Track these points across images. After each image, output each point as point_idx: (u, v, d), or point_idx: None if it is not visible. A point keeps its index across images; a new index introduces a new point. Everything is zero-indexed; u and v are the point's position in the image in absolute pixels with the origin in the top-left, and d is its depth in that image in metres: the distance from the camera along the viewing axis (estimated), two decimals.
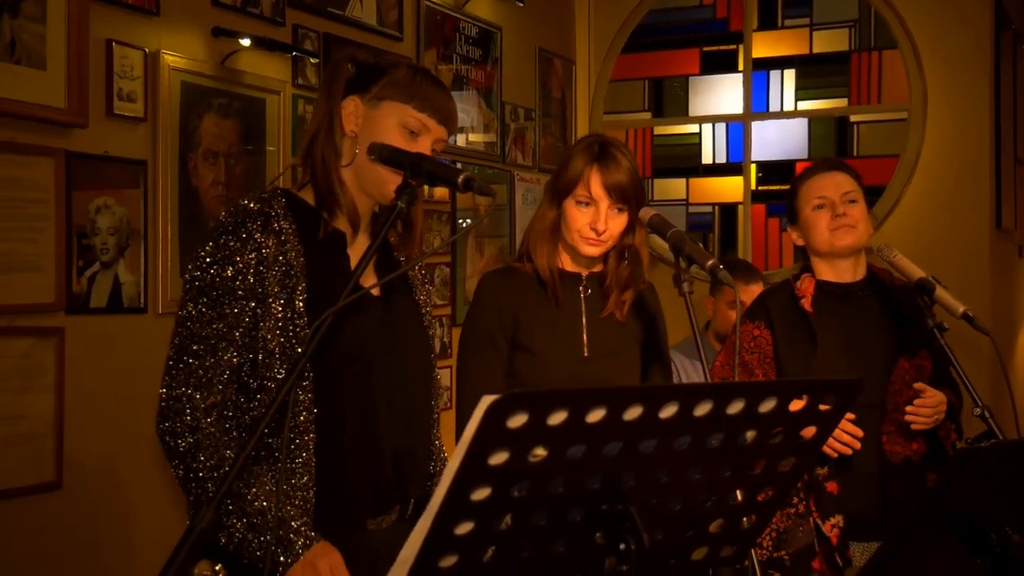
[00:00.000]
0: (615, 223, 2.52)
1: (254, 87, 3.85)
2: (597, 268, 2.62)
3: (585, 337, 2.55)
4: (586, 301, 2.58)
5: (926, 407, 2.68)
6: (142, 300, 3.41)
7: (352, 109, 2.10)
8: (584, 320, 2.57)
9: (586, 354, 2.54)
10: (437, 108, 2.11)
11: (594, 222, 2.50)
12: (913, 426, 2.70)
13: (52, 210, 3.13)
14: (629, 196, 2.52)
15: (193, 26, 3.63)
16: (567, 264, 2.61)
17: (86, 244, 3.25)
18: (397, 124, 2.08)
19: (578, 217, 2.52)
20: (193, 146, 3.61)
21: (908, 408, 2.68)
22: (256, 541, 1.88)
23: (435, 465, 2.25)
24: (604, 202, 2.50)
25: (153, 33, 3.48)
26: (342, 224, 2.10)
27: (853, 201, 2.83)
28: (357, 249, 2.13)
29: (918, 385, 2.70)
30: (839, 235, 2.80)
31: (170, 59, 3.51)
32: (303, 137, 2.18)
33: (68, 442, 3.17)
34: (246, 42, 3.75)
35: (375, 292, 2.12)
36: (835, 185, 2.84)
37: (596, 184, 2.50)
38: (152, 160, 3.46)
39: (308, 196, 2.10)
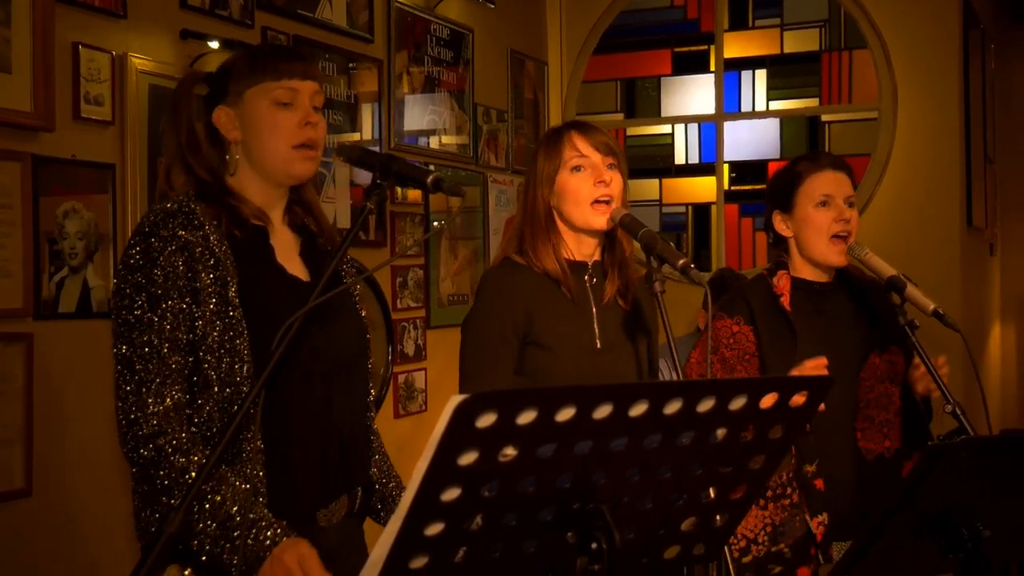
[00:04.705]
0: (615, 180, 2.49)
1: None
2: (596, 256, 2.58)
3: (596, 328, 2.51)
4: (592, 290, 2.55)
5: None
6: (111, 305, 3.38)
7: (225, 119, 2.09)
8: (594, 310, 2.53)
9: (599, 346, 2.51)
10: (291, 70, 2.09)
11: (597, 177, 2.46)
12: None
13: (19, 215, 3.10)
14: (616, 152, 2.52)
15: (161, 28, 3.60)
16: (570, 254, 2.55)
17: (55, 249, 3.22)
18: (268, 104, 2.06)
19: (579, 184, 2.48)
20: (162, 150, 3.58)
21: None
22: (228, 544, 1.85)
23: (376, 448, 2.26)
24: (596, 157, 2.49)
25: (120, 36, 3.45)
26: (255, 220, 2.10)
27: (852, 205, 2.81)
28: (279, 239, 2.12)
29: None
30: (834, 254, 2.78)
31: (138, 62, 3.48)
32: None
33: (37, 449, 3.14)
34: (215, 44, 3.72)
35: (304, 280, 2.11)
36: (839, 184, 2.81)
37: (583, 143, 2.50)
38: (120, 164, 3.43)
39: None
